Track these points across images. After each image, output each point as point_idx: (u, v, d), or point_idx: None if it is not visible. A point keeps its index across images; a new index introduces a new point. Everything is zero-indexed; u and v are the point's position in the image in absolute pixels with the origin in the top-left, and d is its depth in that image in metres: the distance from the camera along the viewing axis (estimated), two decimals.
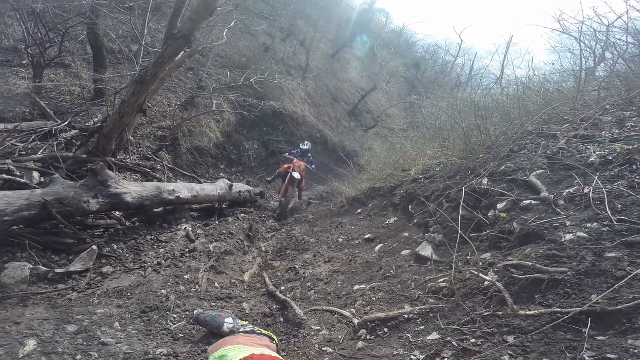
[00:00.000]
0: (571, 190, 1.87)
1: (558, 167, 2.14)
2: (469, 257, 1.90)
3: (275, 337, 1.68)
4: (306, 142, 6.05)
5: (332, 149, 7.90)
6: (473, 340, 1.34)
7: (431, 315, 1.60)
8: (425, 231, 2.57)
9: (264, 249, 3.25)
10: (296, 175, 5.11)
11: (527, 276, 1.47)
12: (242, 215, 3.87)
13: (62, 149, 3.31)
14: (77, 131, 3.64)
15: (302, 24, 12.02)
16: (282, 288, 2.45)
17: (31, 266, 2.17)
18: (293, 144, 6.95)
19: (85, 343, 1.62)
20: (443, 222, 2.38)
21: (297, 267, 2.77)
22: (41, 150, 3.20)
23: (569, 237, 1.54)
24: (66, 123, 3.61)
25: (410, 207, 3.06)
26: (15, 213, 2.19)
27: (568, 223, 1.64)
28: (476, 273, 1.64)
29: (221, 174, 4.78)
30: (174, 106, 5.35)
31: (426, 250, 2.28)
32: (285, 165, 5.58)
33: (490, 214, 2.16)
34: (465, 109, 3.85)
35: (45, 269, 2.20)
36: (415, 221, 2.83)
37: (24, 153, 3.12)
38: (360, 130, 10.30)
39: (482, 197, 2.33)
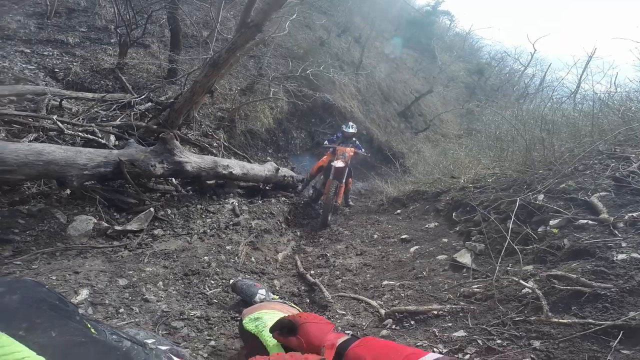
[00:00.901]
0: (634, 215, 1.75)
1: (625, 191, 2.00)
2: (509, 268, 1.85)
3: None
4: (350, 124, 4.79)
5: (377, 148, 7.80)
6: (499, 341, 1.32)
7: (461, 314, 1.58)
8: (466, 239, 2.49)
9: (298, 233, 3.37)
10: (338, 163, 3.98)
11: (569, 287, 1.42)
12: (283, 198, 4.02)
13: (136, 119, 3.75)
14: (152, 104, 4.08)
15: (358, 21, 12.00)
16: (312, 272, 2.53)
17: (95, 220, 2.41)
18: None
19: (130, 297, 1.80)
20: (487, 232, 2.30)
21: (328, 255, 2.83)
22: (119, 118, 3.66)
23: (621, 256, 1.47)
24: (142, 97, 4.08)
25: (454, 214, 2.98)
26: (94, 168, 2.51)
27: (624, 244, 1.56)
28: (516, 280, 1.59)
29: (268, 158, 4.99)
30: (235, 90, 5.72)
31: (464, 258, 2.21)
32: (320, 162, 4.54)
33: (539, 229, 2.08)
34: (531, 121, 3.60)
35: (106, 224, 2.44)
36: (457, 228, 2.75)
37: (105, 119, 3.59)
38: (410, 132, 10.02)
39: (535, 212, 2.23)
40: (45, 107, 3.28)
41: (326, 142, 4.77)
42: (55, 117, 3.04)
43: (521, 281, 1.58)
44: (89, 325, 0.81)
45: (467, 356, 1.29)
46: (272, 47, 6.88)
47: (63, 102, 3.51)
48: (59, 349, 0.56)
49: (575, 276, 1.46)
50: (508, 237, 1.87)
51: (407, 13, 15.25)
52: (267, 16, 3.30)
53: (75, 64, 4.49)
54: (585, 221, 1.88)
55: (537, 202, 2.27)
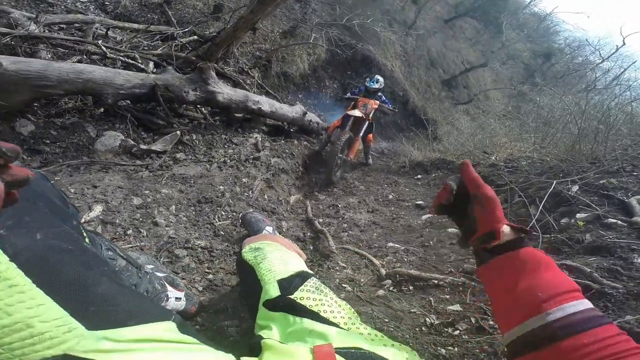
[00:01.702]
0: None
1: None
2: None
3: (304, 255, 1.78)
4: (376, 77, 4.23)
5: (411, 111, 7.47)
6: (491, 322, 1.30)
7: (460, 289, 1.57)
8: None
9: (314, 179, 3.39)
10: (355, 112, 3.60)
11: (577, 280, 1.35)
12: (305, 142, 4.00)
13: (177, 50, 3.81)
14: (194, 37, 4.14)
15: None
16: (320, 220, 2.56)
17: (122, 137, 2.48)
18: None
19: (141, 219, 1.81)
20: (506, 214, 2.21)
21: (339, 206, 2.85)
22: (160, 48, 3.75)
23: None
24: (186, 30, 4.15)
25: None
26: (129, 88, 2.61)
27: None
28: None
29: (297, 102, 4.91)
30: (276, 32, 5.56)
31: None
32: (338, 121, 3.96)
33: (563, 220, 1.98)
34: (591, 111, 3.27)
35: (132, 142, 2.50)
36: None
37: (146, 48, 3.70)
38: (450, 102, 9.44)
39: (564, 203, 2.11)
40: (92, 34, 3.42)
41: (348, 94, 4.35)
42: (100, 41, 3.18)
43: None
44: (85, 235, 0.76)
45: (457, 332, 1.29)
46: None
47: (109, 31, 3.63)
48: (37, 253, 0.51)
49: (589, 270, 1.40)
50: (534, 220, 1.83)
51: None
52: None
53: None
54: (616, 220, 1.77)
55: (569, 193, 2.15)
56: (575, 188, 2.21)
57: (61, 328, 0.45)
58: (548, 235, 1.88)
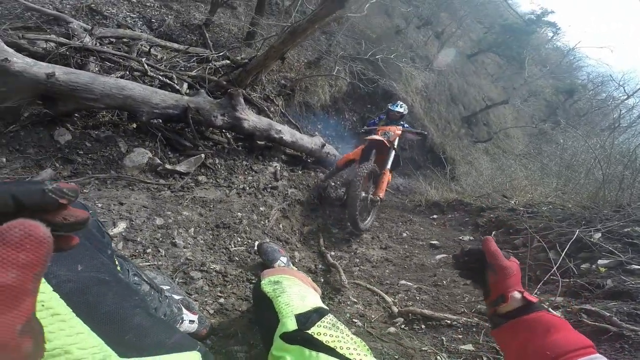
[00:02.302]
0: None
1: None
2: (536, 295, 1.78)
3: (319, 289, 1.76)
4: (400, 102, 3.84)
5: (429, 148, 7.48)
6: None
7: (474, 330, 1.54)
8: None
9: (328, 212, 3.38)
10: (376, 136, 3.18)
11: (596, 324, 1.36)
12: (321, 174, 4.01)
13: (210, 73, 4.01)
14: (227, 61, 4.36)
15: (444, 16, 11.24)
16: (332, 253, 2.56)
17: (150, 155, 2.58)
18: None
19: (160, 239, 1.85)
20: (523, 258, 2.16)
21: (351, 240, 2.84)
22: (195, 70, 3.97)
23: None
24: (220, 54, 4.39)
25: (493, 232, 2.81)
26: (164, 108, 2.77)
27: None
28: (544, 307, 1.52)
29: (316, 132, 5.02)
30: (301, 62, 5.82)
31: None
32: (350, 154, 3.45)
33: (583, 266, 1.96)
34: (617, 155, 3.21)
35: (159, 161, 2.60)
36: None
37: (183, 69, 3.93)
38: (469, 140, 9.40)
39: (585, 249, 2.07)
40: (137, 51, 3.68)
41: (364, 128, 3.81)
42: (144, 59, 3.40)
43: (550, 310, 1.50)
44: (117, 262, 0.81)
45: None
46: (346, 26, 6.80)
47: (152, 49, 3.89)
48: (78, 285, 0.54)
49: (608, 314, 1.39)
50: (554, 267, 1.82)
51: (503, 17, 13.87)
52: None
53: (170, 16, 4.92)
54: (639, 267, 1.75)
55: (591, 240, 2.10)
56: (597, 235, 2.16)
57: (97, 355, 0.48)
58: (567, 280, 1.84)
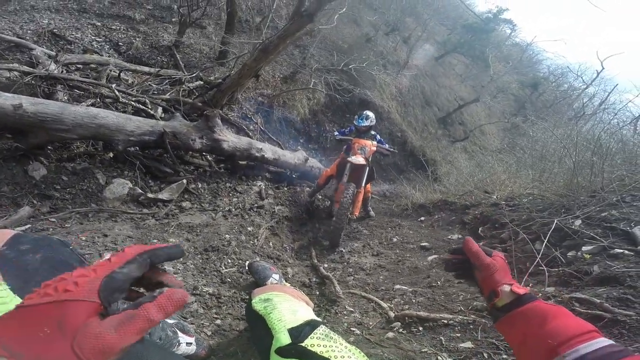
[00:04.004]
0: None
1: None
2: (529, 287, 1.80)
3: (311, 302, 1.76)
4: (365, 114, 3.61)
5: (410, 152, 7.65)
6: (505, 356, 1.30)
7: (471, 327, 1.56)
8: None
9: (317, 225, 3.39)
10: (358, 160, 3.12)
11: (589, 311, 1.39)
12: (307, 188, 4.03)
13: (184, 95, 3.98)
14: (200, 82, 4.32)
15: (409, 21, 11.74)
16: (325, 265, 2.55)
17: (131, 185, 2.53)
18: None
19: None
20: (511, 252, 2.21)
21: (343, 251, 2.84)
22: (169, 93, 3.91)
23: None
24: (193, 75, 4.35)
25: (480, 229, 2.87)
26: (139, 135, 2.69)
27: None
28: (537, 297, 1.56)
29: (299, 147, 5.04)
30: (277, 77, 5.85)
31: None
32: (329, 171, 3.57)
33: (569, 254, 2.00)
34: (583, 142, 3.37)
35: (140, 190, 2.55)
36: (481, 244, 2.64)
37: (156, 92, 3.85)
38: (447, 140, 9.70)
39: (568, 237, 2.13)
40: (106, 76, 3.58)
41: (337, 134, 3.73)
42: (114, 85, 3.30)
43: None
44: None
45: None
46: (318, 38, 6.95)
47: (122, 73, 3.79)
48: None
49: (599, 301, 1.42)
50: (538, 257, 1.85)
51: (463, 18, 14.57)
52: (321, 6, 3.31)
53: (137, 39, 4.85)
54: (622, 251, 1.80)
55: (573, 227, 2.17)
56: (578, 222, 2.24)
57: None
58: (556, 269, 1.88)
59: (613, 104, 12.57)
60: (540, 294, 1.66)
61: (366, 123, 3.58)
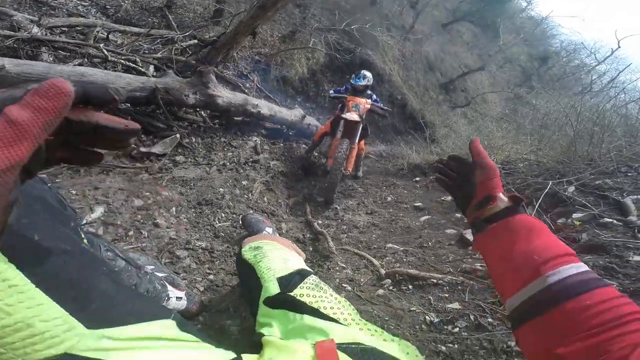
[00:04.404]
0: None
1: None
2: None
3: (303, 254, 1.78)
4: (362, 73, 3.63)
5: (409, 115, 7.50)
6: (490, 320, 1.34)
7: (459, 287, 1.59)
8: None
9: (312, 182, 3.39)
10: (352, 116, 3.12)
11: None
12: (304, 146, 4.01)
13: (177, 54, 3.81)
14: (194, 41, 4.15)
15: None
16: (319, 222, 2.58)
17: None
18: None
19: (142, 220, 1.81)
20: None
21: (338, 208, 2.86)
22: (161, 52, 3.76)
23: (637, 258, 1.45)
24: (186, 34, 4.16)
25: None
26: (130, 92, 2.62)
27: None
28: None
29: (296, 105, 4.93)
30: (275, 36, 5.61)
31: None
32: (324, 128, 3.62)
33: (559, 221, 2.02)
34: (586, 113, 3.32)
35: (132, 145, 2.50)
36: None
37: (147, 52, 3.71)
38: (448, 106, 9.49)
39: (560, 204, 2.15)
40: (93, 37, 3.42)
41: (332, 92, 3.70)
42: (102, 45, 3.17)
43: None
44: (83, 236, 0.76)
45: (456, 329, 1.32)
46: None
47: (110, 35, 3.63)
48: (36, 255, 0.51)
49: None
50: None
51: None
52: None
53: (126, 1, 4.55)
54: (612, 220, 1.82)
55: (566, 194, 2.18)
56: (571, 189, 2.25)
57: (61, 327, 0.45)
58: None
59: (623, 83, 12.29)
60: None
61: (363, 82, 3.55)
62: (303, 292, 0.86)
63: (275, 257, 1.03)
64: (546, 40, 17.78)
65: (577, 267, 0.52)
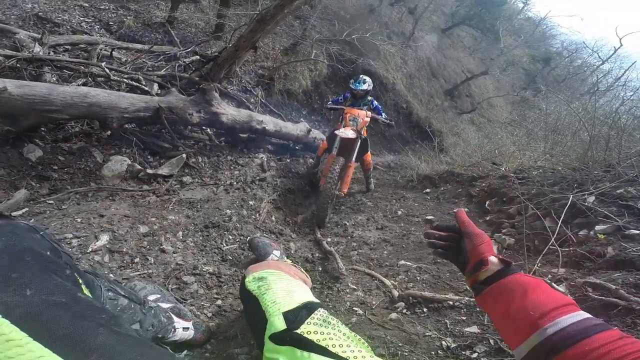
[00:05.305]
0: None
1: None
2: (537, 268, 1.71)
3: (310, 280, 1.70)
4: (362, 77, 3.39)
5: (415, 123, 7.46)
6: None
7: (477, 309, 1.49)
8: (495, 231, 2.34)
9: (320, 198, 3.31)
10: (347, 133, 2.83)
11: (602, 298, 1.31)
12: (311, 160, 3.97)
13: (180, 71, 3.85)
14: (197, 57, 4.19)
15: None
16: (328, 240, 2.51)
17: (129, 162, 2.49)
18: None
19: (148, 246, 1.78)
20: (519, 228, 2.14)
21: (347, 224, 2.79)
22: (164, 69, 3.80)
23: None
24: (188, 50, 4.20)
25: (487, 202, 2.79)
26: (134, 112, 2.63)
27: None
28: (549, 282, 1.47)
29: (301, 119, 4.91)
30: (277, 50, 5.65)
31: None
32: (324, 142, 3.38)
33: (581, 233, 1.90)
34: (600, 117, 3.23)
35: (139, 167, 2.51)
36: (488, 218, 2.58)
37: (150, 69, 3.74)
38: (454, 112, 9.42)
39: (581, 214, 2.04)
40: (97, 55, 3.46)
41: (330, 103, 3.47)
42: (104, 64, 3.20)
43: (553, 284, 1.46)
44: (80, 281, 0.76)
45: (475, 354, 1.23)
46: (318, 8, 6.61)
47: (113, 52, 3.68)
48: (28, 310, 0.51)
49: (614, 287, 1.33)
50: (553, 238, 1.75)
51: None
52: None
53: (128, 17, 4.64)
54: (638, 232, 1.69)
55: (586, 204, 2.07)
56: (591, 199, 2.14)
57: None
58: (567, 249, 1.78)
59: (630, 81, 12.12)
60: (551, 277, 1.58)
61: (363, 87, 3.32)
62: (310, 329, 0.82)
63: (280, 288, 0.99)
64: (546, 41, 17.74)
65: (577, 316, 0.54)
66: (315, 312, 0.89)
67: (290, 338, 0.81)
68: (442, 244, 0.81)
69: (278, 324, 0.84)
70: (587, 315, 0.54)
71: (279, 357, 0.78)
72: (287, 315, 0.87)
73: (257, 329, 0.90)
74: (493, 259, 0.70)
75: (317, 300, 0.99)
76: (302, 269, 1.72)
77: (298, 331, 0.81)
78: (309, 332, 0.81)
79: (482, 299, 0.70)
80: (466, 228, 0.76)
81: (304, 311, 0.88)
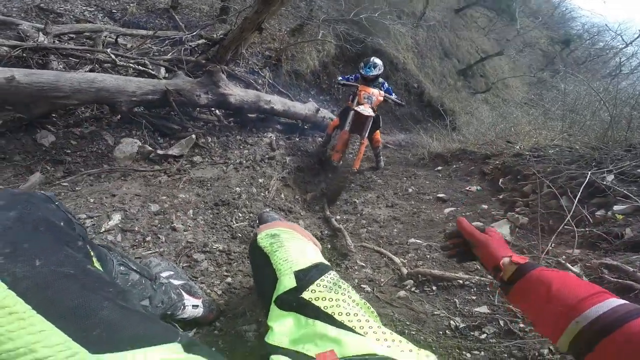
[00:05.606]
0: None
1: None
2: (551, 248, 1.65)
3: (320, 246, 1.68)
4: (372, 62, 3.28)
5: (427, 102, 7.30)
6: (522, 325, 1.22)
7: (488, 289, 1.46)
8: (508, 209, 2.28)
9: (330, 175, 3.27)
10: (365, 110, 2.90)
11: (619, 280, 1.27)
12: (320, 139, 3.94)
13: (186, 54, 3.83)
14: (202, 40, 4.16)
15: None
16: (337, 217, 2.50)
17: (140, 144, 2.53)
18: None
19: (159, 225, 1.80)
20: (534, 206, 2.09)
21: (357, 202, 2.77)
22: (170, 53, 3.80)
23: None
24: (193, 34, 4.18)
25: (501, 180, 2.72)
26: (142, 95, 2.65)
27: None
28: (561, 261, 1.43)
29: (310, 99, 4.86)
30: (284, 31, 5.56)
31: (503, 229, 2.03)
32: (337, 120, 3.39)
33: (598, 213, 1.84)
34: (622, 97, 3.09)
35: (150, 148, 2.54)
36: (501, 196, 2.52)
37: (156, 54, 3.75)
38: (467, 92, 9.15)
39: (598, 194, 1.96)
40: (102, 43, 3.47)
41: (340, 78, 3.41)
42: (109, 50, 3.21)
43: (567, 264, 1.42)
44: (92, 254, 0.75)
45: (484, 335, 1.21)
46: None
47: (118, 39, 3.67)
48: (36, 281, 0.51)
49: (632, 269, 1.29)
50: (569, 216, 1.68)
51: None
52: None
53: (132, 4, 4.62)
54: None
55: (604, 183, 1.99)
56: (610, 177, 2.06)
57: (64, 352, 0.45)
58: (583, 230, 1.72)
59: None
60: (565, 257, 1.53)
61: (374, 72, 3.24)
62: (318, 295, 0.79)
63: (293, 247, 0.95)
64: (566, 23, 16.96)
65: (608, 304, 0.53)
66: (327, 274, 0.85)
67: (296, 304, 0.78)
68: (450, 252, 0.86)
69: (288, 282, 0.82)
70: (621, 301, 0.54)
71: (282, 325, 0.76)
72: (298, 274, 0.83)
73: (266, 289, 0.87)
74: (506, 261, 0.70)
75: (327, 263, 0.95)
76: (310, 233, 1.72)
77: (305, 296, 0.78)
78: (316, 299, 0.78)
79: (511, 299, 0.70)
80: (471, 238, 0.77)
81: (314, 271, 0.85)
